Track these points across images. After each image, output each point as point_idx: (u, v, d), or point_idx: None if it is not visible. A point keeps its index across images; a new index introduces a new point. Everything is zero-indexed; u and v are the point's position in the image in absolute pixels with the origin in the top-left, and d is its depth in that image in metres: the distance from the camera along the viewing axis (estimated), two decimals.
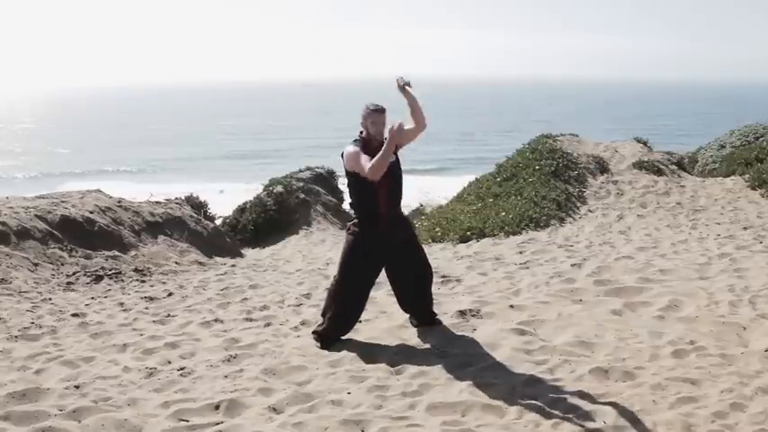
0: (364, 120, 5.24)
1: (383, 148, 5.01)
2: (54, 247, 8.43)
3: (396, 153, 5.23)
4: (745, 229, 9.90)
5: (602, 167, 13.84)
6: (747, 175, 13.14)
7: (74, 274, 7.95)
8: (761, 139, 15.80)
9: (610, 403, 4.20)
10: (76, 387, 4.64)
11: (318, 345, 5.46)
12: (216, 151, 54.56)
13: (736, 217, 10.86)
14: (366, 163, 5.05)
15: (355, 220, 5.40)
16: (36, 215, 8.80)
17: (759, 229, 9.78)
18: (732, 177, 13.66)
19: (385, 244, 5.32)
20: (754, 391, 4.33)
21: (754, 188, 12.48)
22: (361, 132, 5.27)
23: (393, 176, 5.23)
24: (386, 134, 5.07)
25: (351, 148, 5.18)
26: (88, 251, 8.72)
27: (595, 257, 8.24)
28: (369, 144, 5.19)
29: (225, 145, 58.87)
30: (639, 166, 14.02)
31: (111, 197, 10.82)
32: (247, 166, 44.99)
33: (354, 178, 5.22)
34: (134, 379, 4.83)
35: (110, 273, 8.10)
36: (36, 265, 7.92)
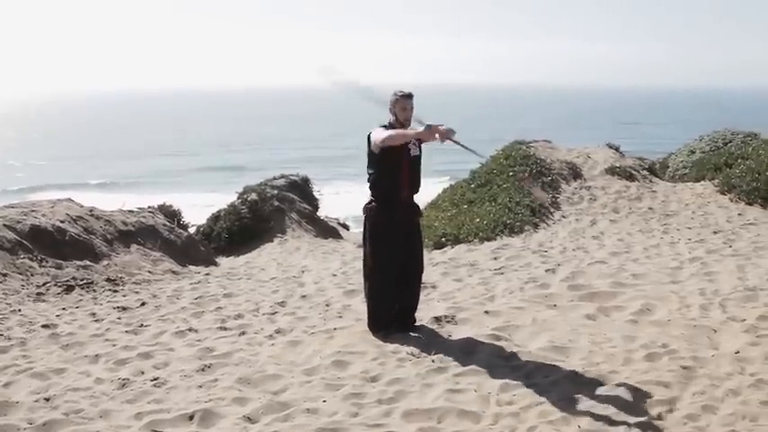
0: (393, 106, 5.45)
1: (408, 131, 5.30)
2: (23, 258, 8.29)
3: (420, 146, 5.54)
4: (715, 233, 10.05)
5: (576, 173, 13.94)
6: (717, 180, 13.32)
7: (44, 284, 7.82)
8: (729, 144, 16.04)
9: (584, 408, 4.24)
10: (47, 399, 4.57)
11: (376, 335, 5.66)
12: (192, 164, 53.90)
13: (706, 221, 11.01)
14: (384, 136, 5.28)
15: (373, 204, 5.58)
16: (4, 225, 8.65)
17: (728, 233, 9.94)
18: (702, 182, 13.84)
19: (399, 224, 5.56)
20: (725, 393, 4.40)
21: (723, 193, 12.66)
22: (389, 120, 5.48)
23: (414, 165, 5.52)
24: (426, 123, 5.25)
25: (378, 127, 5.42)
26: (59, 261, 8.59)
27: (569, 263, 8.31)
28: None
29: (202, 157, 58.18)
30: (612, 171, 14.15)
31: (82, 206, 10.66)
32: (225, 178, 44.47)
33: (380, 159, 5.41)
34: (106, 390, 4.77)
35: (81, 283, 7.98)
36: (5, 275, 7.78)
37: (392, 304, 5.74)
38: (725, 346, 5.27)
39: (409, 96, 5.44)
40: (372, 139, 5.39)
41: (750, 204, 11.87)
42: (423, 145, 5.56)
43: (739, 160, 13.84)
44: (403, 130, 5.34)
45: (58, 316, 6.75)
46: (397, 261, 5.62)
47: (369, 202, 5.65)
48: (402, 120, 5.44)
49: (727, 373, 4.74)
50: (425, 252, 9.92)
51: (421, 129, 5.25)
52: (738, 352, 5.10)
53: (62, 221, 9.43)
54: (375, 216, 5.59)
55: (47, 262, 8.45)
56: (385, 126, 5.45)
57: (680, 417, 4.09)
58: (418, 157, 5.56)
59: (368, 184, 5.64)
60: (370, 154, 5.49)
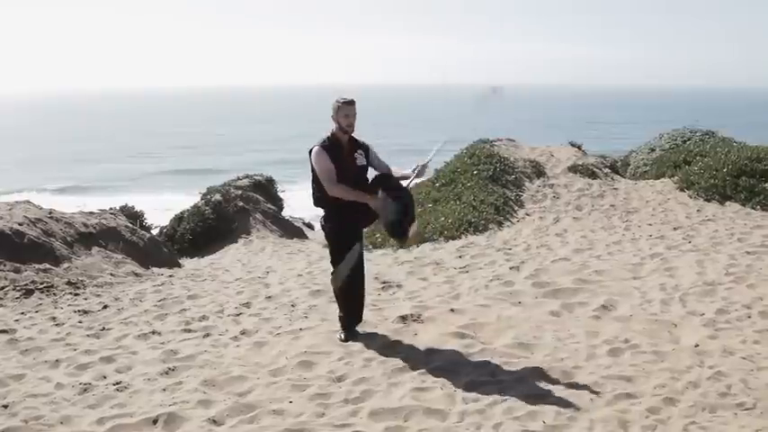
0: (336, 113, 5.31)
1: (360, 195, 5.18)
2: None
3: (367, 156, 5.44)
4: (674, 229, 10.24)
5: (539, 171, 14.08)
6: (676, 178, 13.59)
7: (2, 288, 7.64)
8: (688, 142, 16.36)
9: (549, 403, 4.29)
10: (5, 407, 4.46)
11: (343, 339, 5.61)
12: (157, 167, 52.91)
13: (666, 218, 11.21)
14: (333, 185, 5.20)
15: (328, 216, 5.48)
16: None
17: (688, 229, 10.14)
18: (662, 179, 14.09)
19: (358, 226, 5.52)
20: (686, 386, 4.50)
21: (682, 190, 12.92)
22: (332, 130, 5.34)
23: (361, 175, 5.39)
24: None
25: (317, 149, 5.27)
26: (17, 264, 8.39)
27: (533, 260, 8.39)
28: (337, 142, 5.31)
29: (167, 159, 57.20)
30: (574, 169, 14.32)
31: (41, 208, 10.45)
32: (191, 182, 43.84)
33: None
34: (67, 396, 4.68)
35: (41, 286, 7.82)
36: None
37: (362, 306, 5.74)
38: (685, 339, 5.38)
39: (351, 103, 5.28)
40: (317, 166, 5.25)
41: (708, 201, 12.14)
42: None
43: (698, 158, 14.15)
44: (356, 194, 5.19)
45: (16, 321, 6.60)
46: (361, 263, 5.57)
47: (323, 217, 5.55)
48: (345, 126, 5.27)
49: (687, 366, 4.84)
50: (390, 251, 9.99)
51: (373, 201, 5.17)
52: (698, 345, 5.22)
53: (20, 224, 9.22)
54: (333, 224, 5.47)
55: (4, 266, 8.25)
56: (325, 141, 5.30)
57: (642, 410, 4.17)
58: (365, 167, 5.41)
59: (312, 201, 5.51)
60: (314, 170, 5.32)
